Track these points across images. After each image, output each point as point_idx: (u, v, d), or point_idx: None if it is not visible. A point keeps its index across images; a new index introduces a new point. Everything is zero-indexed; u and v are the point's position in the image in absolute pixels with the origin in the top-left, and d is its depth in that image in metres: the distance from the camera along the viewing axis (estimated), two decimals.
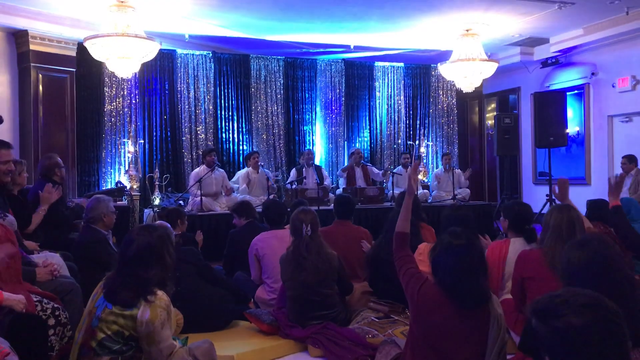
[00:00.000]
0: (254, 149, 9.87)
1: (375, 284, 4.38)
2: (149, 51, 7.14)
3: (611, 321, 1.32)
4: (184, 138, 9.61)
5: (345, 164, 10.12)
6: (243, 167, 9.25)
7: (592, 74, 9.82)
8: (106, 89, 8.97)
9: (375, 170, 9.58)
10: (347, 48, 10.12)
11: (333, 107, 10.74)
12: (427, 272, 3.81)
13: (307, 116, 10.63)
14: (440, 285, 2.55)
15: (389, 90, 11.19)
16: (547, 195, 8.77)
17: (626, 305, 2.04)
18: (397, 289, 4.15)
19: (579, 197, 7.45)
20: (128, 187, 8.37)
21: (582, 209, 5.38)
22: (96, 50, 7.03)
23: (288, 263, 4.01)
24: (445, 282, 2.53)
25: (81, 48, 8.02)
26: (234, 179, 8.85)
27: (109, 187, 8.66)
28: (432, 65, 11.05)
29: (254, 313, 4.17)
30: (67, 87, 8.43)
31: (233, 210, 5.58)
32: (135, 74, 8.11)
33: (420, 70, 11.36)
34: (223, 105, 9.96)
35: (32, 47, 7.97)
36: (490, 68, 8.85)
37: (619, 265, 2.18)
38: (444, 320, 2.52)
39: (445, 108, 11.49)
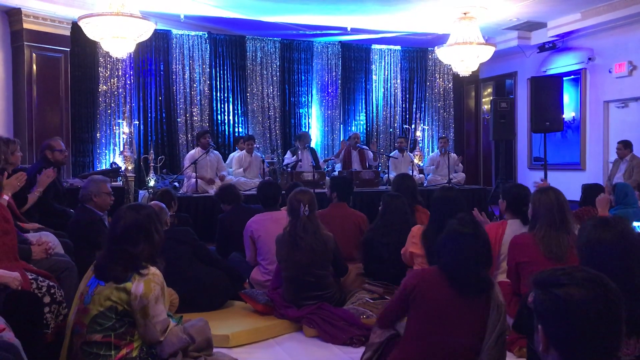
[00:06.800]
0: (250, 132, 9.84)
1: (370, 267, 4.39)
2: (144, 31, 7.06)
3: (610, 300, 1.33)
4: (179, 119, 9.57)
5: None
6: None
7: (589, 59, 9.80)
8: (101, 69, 8.90)
9: (371, 156, 9.51)
10: (344, 30, 10.05)
11: (329, 90, 10.70)
12: (418, 254, 3.84)
13: (303, 99, 10.58)
14: (442, 270, 2.58)
15: (386, 74, 11.15)
16: (541, 180, 8.78)
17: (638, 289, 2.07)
18: (391, 271, 4.20)
19: (573, 183, 7.55)
20: (123, 168, 8.34)
21: (577, 194, 5.43)
22: (90, 30, 6.94)
23: (283, 243, 4.01)
24: (448, 268, 2.56)
25: (75, 27, 7.93)
26: (228, 162, 8.82)
27: (103, 167, 8.63)
28: (429, 48, 11.00)
29: (249, 293, 4.19)
30: (62, 67, 8.36)
31: (218, 199, 5.62)
32: (130, 54, 8.04)
33: (417, 54, 11.31)
34: (218, 87, 9.90)
35: (25, 25, 7.87)
36: (488, 52, 8.80)
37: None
38: (443, 305, 2.54)
39: (442, 92, 11.47)
